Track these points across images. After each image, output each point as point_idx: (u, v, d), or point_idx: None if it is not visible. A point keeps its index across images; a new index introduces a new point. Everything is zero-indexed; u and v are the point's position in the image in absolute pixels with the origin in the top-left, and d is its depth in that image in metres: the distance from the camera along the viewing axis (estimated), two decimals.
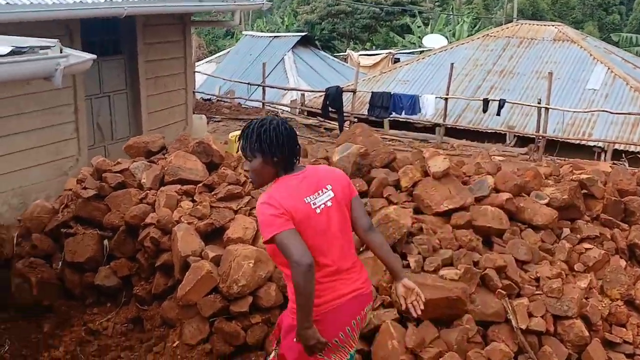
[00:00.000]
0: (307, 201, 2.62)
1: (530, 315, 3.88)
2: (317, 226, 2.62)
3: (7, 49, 2.54)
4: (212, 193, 4.34)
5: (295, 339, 2.61)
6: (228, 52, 23.13)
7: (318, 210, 2.63)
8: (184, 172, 4.49)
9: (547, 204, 4.54)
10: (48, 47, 2.70)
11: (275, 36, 22.19)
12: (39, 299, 4.42)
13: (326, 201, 2.66)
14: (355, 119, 12.73)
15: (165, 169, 4.51)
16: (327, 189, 2.69)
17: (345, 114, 13.29)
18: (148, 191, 4.48)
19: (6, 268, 4.68)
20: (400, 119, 13.63)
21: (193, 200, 4.35)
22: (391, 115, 13.40)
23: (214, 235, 4.10)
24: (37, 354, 4.14)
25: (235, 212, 4.21)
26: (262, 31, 27.71)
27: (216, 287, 3.74)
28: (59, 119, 7.58)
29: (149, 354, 3.91)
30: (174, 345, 3.79)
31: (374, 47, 29.09)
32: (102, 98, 8.48)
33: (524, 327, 3.81)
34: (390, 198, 4.41)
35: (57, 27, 7.10)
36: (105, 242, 4.46)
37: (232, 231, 3.94)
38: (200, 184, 4.41)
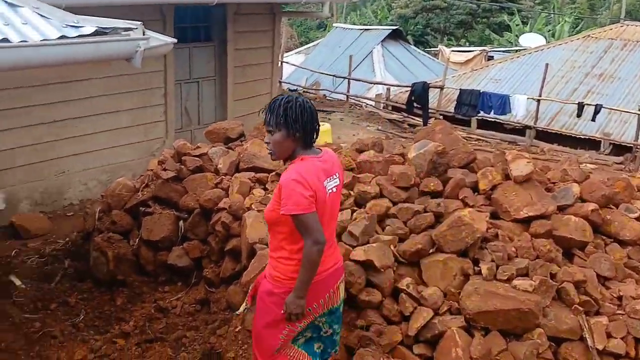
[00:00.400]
0: (324, 184, 2.78)
1: (609, 335, 3.62)
2: (325, 208, 2.79)
3: (91, 29, 2.62)
4: None
5: (284, 309, 2.80)
6: (317, 43, 23.22)
7: (328, 194, 2.81)
8: (258, 160, 4.53)
9: (637, 218, 4.22)
10: (131, 29, 2.77)
11: (365, 29, 22.02)
12: (114, 273, 4.60)
13: (333, 187, 2.84)
14: (441, 116, 12.45)
15: (241, 155, 4.57)
16: (335, 176, 2.87)
17: (430, 111, 13.02)
18: (223, 176, 4.56)
19: (88, 241, 4.93)
20: (489, 119, 13.20)
21: (265, 189, 4.38)
22: (479, 114, 13.00)
23: None
24: (109, 326, 4.32)
25: None
26: (354, 24, 27.62)
27: None
28: (149, 101, 7.88)
29: (213, 336, 3.97)
30: (236, 330, 3.83)
31: (467, 44, 28.31)
32: (192, 83, 8.73)
33: (600, 347, 3.56)
34: (466, 200, 4.24)
35: (152, 12, 7.37)
36: (181, 223, 4.58)
37: None
38: (273, 173, 4.44)
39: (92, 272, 4.71)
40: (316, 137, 2.83)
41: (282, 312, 2.82)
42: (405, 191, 4.11)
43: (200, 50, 8.71)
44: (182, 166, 4.69)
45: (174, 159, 4.78)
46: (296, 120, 2.72)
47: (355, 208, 4.05)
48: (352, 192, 4.17)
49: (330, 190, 2.81)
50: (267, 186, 4.38)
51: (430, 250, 3.71)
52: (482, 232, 3.87)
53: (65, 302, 4.61)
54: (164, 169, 4.69)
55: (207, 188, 4.50)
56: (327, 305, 2.94)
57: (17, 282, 4.96)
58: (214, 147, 4.84)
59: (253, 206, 4.12)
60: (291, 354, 2.97)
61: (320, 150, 2.89)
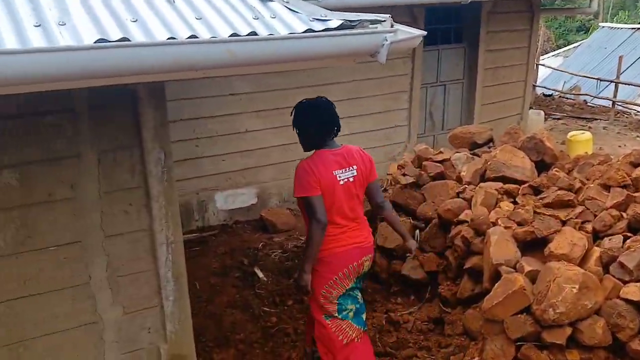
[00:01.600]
0: (334, 174, 3.23)
1: None
2: (333, 194, 3.22)
3: (338, 23, 2.45)
4: (538, 197, 3.77)
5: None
6: (578, 45, 21.17)
7: (342, 182, 3.24)
8: (508, 170, 4.01)
9: None
10: (379, 22, 2.54)
11: (638, 28, 19.41)
12: None
13: (349, 177, 3.27)
14: None
15: (488, 163, 4.10)
16: (352, 167, 3.30)
17: None
18: (466, 185, 4.15)
19: None
20: None
21: (514, 202, 3.85)
22: None
23: (533, 245, 3.56)
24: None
25: (563, 222, 3.58)
26: (625, 24, 24.62)
27: (528, 307, 3.22)
28: (394, 105, 7.77)
29: None
30: (473, 359, 3.41)
31: None
32: (438, 87, 8.43)
33: None
34: None
35: (402, 13, 7.23)
36: (417, 232, 4.29)
37: (557, 245, 3.33)
38: (525, 185, 3.89)
39: None
40: (334, 135, 3.37)
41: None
42: None
43: (449, 52, 8.36)
44: (422, 172, 4.40)
45: (414, 164, 4.52)
46: (304, 122, 3.35)
47: (628, 234, 3.32)
48: (624, 214, 3.44)
49: (344, 179, 3.27)
50: (517, 199, 3.85)
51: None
52: None
53: (301, 300, 4.64)
54: (403, 174, 4.45)
55: (448, 197, 4.13)
56: (352, 276, 3.35)
57: (260, 275, 5.16)
58: (457, 152, 4.46)
59: (499, 221, 3.64)
60: (344, 326, 3.39)
61: (340, 145, 3.38)
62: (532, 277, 3.26)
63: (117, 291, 3.24)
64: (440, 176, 4.35)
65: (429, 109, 8.41)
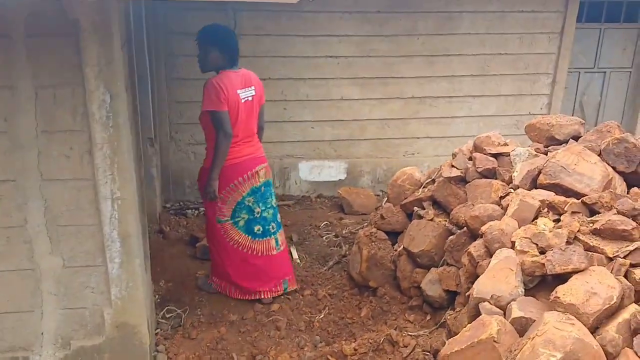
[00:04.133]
0: (238, 92, 3.63)
1: None
2: (237, 111, 3.62)
3: None
4: (590, 219, 2.69)
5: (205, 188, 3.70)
6: None
7: (242, 100, 3.66)
8: (568, 177, 2.96)
9: None
10: None
11: None
12: (365, 277, 3.80)
13: (249, 96, 3.71)
14: None
15: (545, 165, 3.06)
16: (251, 88, 3.75)
17: None
18: (512, 190, 3.16)
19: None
20: None
21: (557, 220, 2.81)
22: None
23: (549, 284, 2.54)
24: (338, 337, 3.56)
25: (610, 259, 2.49)
26: None
27: None
28: (530, 88, 6.59)
29: None
30: None
31: None
32: (595, 74, 6.95)
33: None
34: None
35: None
36: (450, 238, 3.43)
37: (568, 290, 2.31)
38: (579, 200, 2.80)
39: (348, 268, 4.00)
40: (237, 58, 3.71)
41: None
42: None
43: (615, 32, 6.78)
44: (471, 165, 3.47)
45: (466, 155, 3.60)
46: (220, 42, 3.62)
47: None
48: None
49: (245, 98, 3.66)
50: (561, 218, 2.79)
51: None
52: None
53: (315, 292, 4.05)
54: (452, 165, 3.57)
55: (489, 200, 3.20)
56: (248, 184, 3.74)
57: (295, 255, 4.66)
58: (519, 147, 3.44)
59: (517, 242, 2.66)
60: (232, 234, 3.80)
61: (240, 68, 3.72)
62: (523, 327, 2.30)
63: (57, 241, 2.99)
64: (491, 173, 3.39)
65: (579, 99, 6.99)
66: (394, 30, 5.97)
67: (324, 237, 5.00)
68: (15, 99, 2.73)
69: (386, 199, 4.20)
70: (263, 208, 3.83)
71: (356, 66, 6.03)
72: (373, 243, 3.75)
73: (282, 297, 4.02)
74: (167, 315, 3.94)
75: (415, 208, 3.72)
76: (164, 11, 5.51)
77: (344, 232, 5.00)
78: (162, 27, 5.54)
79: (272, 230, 3.89)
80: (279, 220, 4.01)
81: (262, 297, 3.90)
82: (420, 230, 3.51)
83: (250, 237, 3.82)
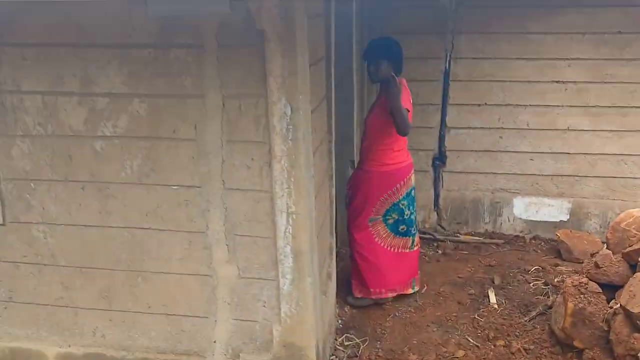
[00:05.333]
0: None
1: None
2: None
3: None
4: None
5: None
6: None
7: None
8: None
9: None
10: None
11: None
12: (569, 334, 3.17)
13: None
14: None
15: None
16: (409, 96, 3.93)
17: None
18: None
19: None
20: None
21: None
22: None
23: None
24: None
25: None
26: None
27: None
28: None
29: None
30: None
31: None
32: None
33: None
34: None
35: None
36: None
37: None
38: None
39: (549, 319, 3.41)
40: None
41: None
42: None
43: None
44: None
45: None
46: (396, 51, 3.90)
47: None
48: None
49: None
50: None
51: None
52: None
53: (509, 344, 3.52)
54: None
55: None
56: (405, 188, 4.00)
57: (492, 299, 4.16)
58: None
59: None
60: (379, 229, 4.03)
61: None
62: None
63: (234, 250, 3.02)
64: None
65: None
66: (638, 54, 5.14)
67: (531, 284, 4.39)
68: (204, 108, 2.83)
69: (605, 245, 3.51)
70: (412, 211, 4.10)
71: (588, 93, 5.30)
72: (582, 295, 3.12)
73: (471, 344, 3.58)
74: (346, 343, 3.77)
75: None
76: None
77: (556, 279, 4.34)
78: None
79: (413, 232, 4.15)
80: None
81: (401, 291, 4.16)
82: None
83: (393, 233, 4.06)
